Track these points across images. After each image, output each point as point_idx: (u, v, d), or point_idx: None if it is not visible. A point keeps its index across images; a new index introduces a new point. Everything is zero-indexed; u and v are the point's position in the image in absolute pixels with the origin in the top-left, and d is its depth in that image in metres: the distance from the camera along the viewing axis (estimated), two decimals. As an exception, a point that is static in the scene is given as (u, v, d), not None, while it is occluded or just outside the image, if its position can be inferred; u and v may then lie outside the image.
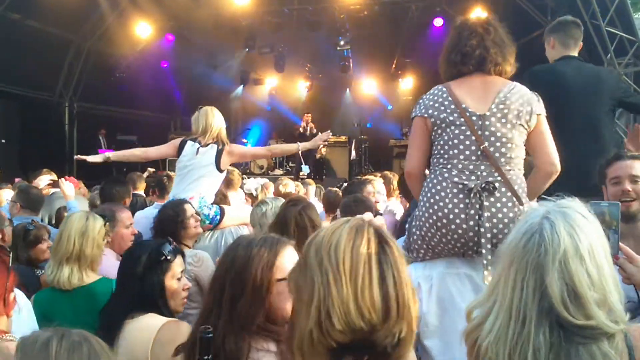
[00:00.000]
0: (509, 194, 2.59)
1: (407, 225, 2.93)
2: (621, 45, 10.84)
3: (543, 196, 3.38)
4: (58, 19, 12.51)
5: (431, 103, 2.74)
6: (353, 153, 15.87)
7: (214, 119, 4.59)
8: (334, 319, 1.23)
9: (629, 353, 1.40)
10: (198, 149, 4.52)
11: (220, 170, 4.53)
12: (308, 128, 14.97)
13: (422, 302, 2.63)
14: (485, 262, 2.50)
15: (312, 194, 7.28)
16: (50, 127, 14.45)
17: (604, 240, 1.45)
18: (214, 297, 1.82)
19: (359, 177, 7.71)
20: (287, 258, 1.83)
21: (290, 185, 6.37)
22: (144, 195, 6.46)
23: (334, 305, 1.24)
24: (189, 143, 4.61)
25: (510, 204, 2.57)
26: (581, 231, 1.41)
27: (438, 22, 13.44)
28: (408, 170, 2.91)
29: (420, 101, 2.82)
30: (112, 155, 5.03)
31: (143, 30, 13.96)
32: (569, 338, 1.34)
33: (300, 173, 13.59)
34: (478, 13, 12.49)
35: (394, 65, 16.71)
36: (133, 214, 5.02)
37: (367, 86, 17.71)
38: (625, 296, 2.15)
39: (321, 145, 15.49)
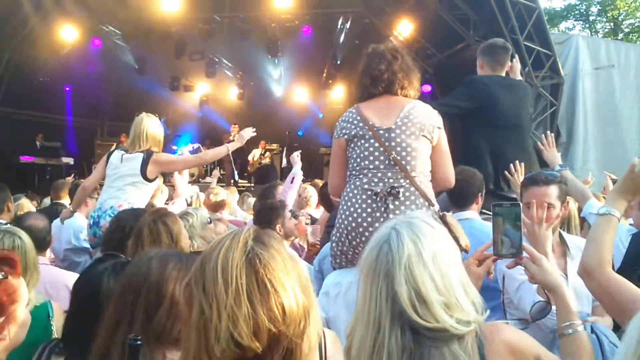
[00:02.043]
0: (412, 197, 2.80)
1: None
2: (538, 59, 11.58)
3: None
4: (-23, 22, 12.01)
5: (344, 124, 3.00)
6: (284, 161, 16.05)
7: (147, 127, 4.47)
8: (214, 346, 1.24)
9: (479, 350, 1.48)
10: (122, 156, 4.46)
11: (148, 179, 4.42)
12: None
13: (328, 307, 2.84)
14: None
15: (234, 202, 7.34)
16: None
17: (450, 247, 1.54)
18: (125, 306, 1.74)
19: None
20: None
21: (221, 194, 6.35)
22: (66, 204, 6.23)
23: (211, 330, 1.24)
24: (115, 153, 4.58)
25: (413, 207, 2.77)
26: (425, 239, 1.49)
27: (366, 33, 13.89)
28: (330, 192, 3.26)
29: (337, 125, 3.05)
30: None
31: (68, 33, 13.53)
32: (419, 340, 1.41)
33: (232, 181, 13.68)
34: (404, 25, 13.05)
35: (324, 74, 17.02)
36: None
37: (298, 95, 17.90)
38: (532, 296, 2.35)
39: (261, 152, 15.69)
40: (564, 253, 2.86)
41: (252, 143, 16.05)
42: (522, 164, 3.78)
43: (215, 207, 6.08)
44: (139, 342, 1.55)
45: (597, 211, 2.16)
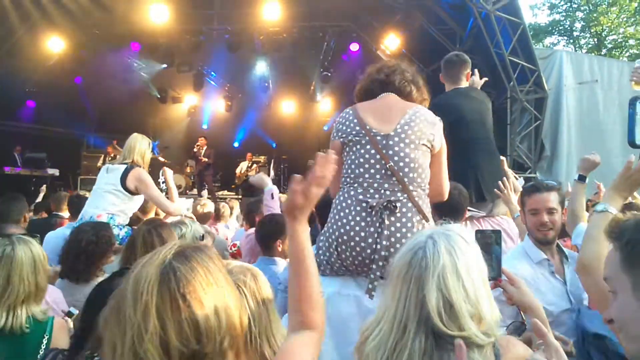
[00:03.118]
0: (409, 214, 2.62)
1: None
2: (523, 74, 11.74)
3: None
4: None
5: (340, 125, 2.85)
6: (272, 173, 16.08)
7: (136, 143, 4.74)
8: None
9: (496, 359, 1.54)
10: (108, 169, 4.65)
11: (128, 190, 4.51)
12: (202, 151, 15.00)
13: None
14: (372, 276, 2.54)
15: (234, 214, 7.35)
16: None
17: (481, 263, 1.59)
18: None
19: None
20: None
21: (208, 206, 6.35)
22: (64, 216, 6.26)
23: (117, 349, 1.21)
24: (105, 166, 4.80)
25: (409, 224, 2.60)
26: (460, 251, 1.55)
27: (354, 47, 14.03)
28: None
29: (334, 125, 2.93)
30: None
31: (55, 44, 13.52)
32: (442, 345, 1.45)
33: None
34: (391, 39, 13.18)
35: (312, 87, 17.11)
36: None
37: (286, 107, 17.99)
38: (510, 316, 2.45)
39: (248, 165, 15.69)
40: (561, 260, 3.04)
41: (239, 156, 16.09)
42: (510, 179, 3.86)
43: (203, 218, 6.06)
44: (96, 358, 1.54)
45: (595, 208, 2.27)
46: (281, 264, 3.75)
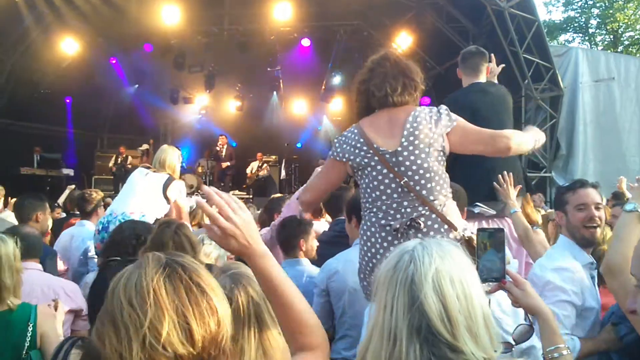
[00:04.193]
0: (436, 225, 2.55)
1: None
2: (537, 72, 11.58)
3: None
4: (-21, 34, 12.09)
5: (347, 147, 2.74)
6: (283, 173, 16.05)
7: (168, 157, 4.92)
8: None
9: None
10: (147, 173, 4.80)
11: (166, 198, 4.68)
12: (224, 149, 15.11)
13: None
14: None
15: None
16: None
17: (476, 278, 1.42)
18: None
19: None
20: None
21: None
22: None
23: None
24: (139, 169, 4.96)
25: (438, 236, 2.50)
26: (453, 260, 1.39)
27: (365, 46, 13.96)
28: (304, 205, 2.95)
29: (337, 143, 2.81)
30: None
31: (69, 46, 13.61)
32: (440, 356, 1.29)
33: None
34: (403, 38, 13.09)
35: (323, 87, 17.07)
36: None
37: (297, 107, 17.96)
38: (516, 319, 2.35)
39: (259, 165, 15.77)
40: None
41: (250, 155, 16.10)
42: (510, 174, 3.75)
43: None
44: None
45: (624, 208, 2.20)
46: (306, 264, 3.74)
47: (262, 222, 5.30)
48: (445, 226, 2.56)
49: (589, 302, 2.68)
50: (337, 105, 17.45)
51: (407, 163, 2.59)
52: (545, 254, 3.05)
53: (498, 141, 2.69)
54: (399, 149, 2.60)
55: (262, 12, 13.16)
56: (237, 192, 15.85)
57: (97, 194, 5.54)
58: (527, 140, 2.82)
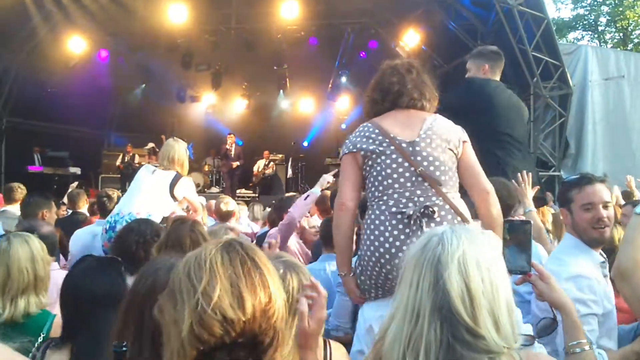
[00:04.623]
0: (449, 216, 2.52)
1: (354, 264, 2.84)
2: (546, 70, 11.48)
3: None
4: (-14, 33, 12.13)
5: (359, 139, 2.72)
6: (290, 171, 16.04)
7: (176, 154, 4.78)
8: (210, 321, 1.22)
9: None
10: (154, 171, 4.74)
11: (173, 196, 4.63)
12: (232, 148, 15.05)
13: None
14: None
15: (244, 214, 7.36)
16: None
17: (503, 266, 1.43)
18: (134, 325, 1.68)
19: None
20: None
21: (231, 204, 6.38)
22: (86, 213, 6.35)
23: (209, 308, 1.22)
24: (145, 166, 4.90)
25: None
26: (482, 246, 1.40)
27: (372, 44, 13.90)
28: (341, 201, 2.74)
29: (348, 140, 2.80)
30: None
31: (76, 45, 13.64)
32: (458, 337, 1.31)
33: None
34: (411, 36, 13.02)
35: (330, 85, 17.03)
36: (71, 231, 5.03)
37: (304, 105, 17.94)
38: (542, 311, 2.30)
39: (265, 163, 15.79)
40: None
41: (257, 154, 16.10)
42: (529, 173, 3.74)
43: (226, 216, 6.09)
44: (124, 349, 1.52)
45: (634, 210, 2.13)
46: None
47: (272, 222, 5.31)
48: (458, 218, 2.54)
49: (606, 307, 2.52)
50: (344, 103, 17.42)
51: (424, 154, 2.59)
52: (552, 257, 2.85)
53: (485, 181, 2.70)
54: (417, 139, 2.62)
55: (269, 11, 13.13)
56: (243, 190, 15.87)
57: (118, 193, 5.58)
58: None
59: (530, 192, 3.68)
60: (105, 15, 12.96)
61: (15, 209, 5.69)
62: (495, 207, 2.64)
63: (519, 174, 3.72)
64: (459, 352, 1.30)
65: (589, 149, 12.35)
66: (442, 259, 1.35)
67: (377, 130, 2.68)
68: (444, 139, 2.64)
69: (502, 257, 1.46)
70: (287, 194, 6.57)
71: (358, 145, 2.70)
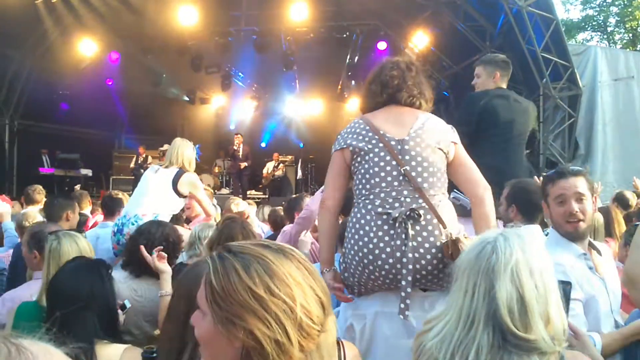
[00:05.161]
0: (435, 220, 2.47)
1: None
2: (556, 71, 11.44)
3: None
4: (-1, 35, 12.25)
5: (349, 135, 2.69)
6: (299, 173, 16.08)
7: (183, 152, 4.78)
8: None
9: None
10: (158, 170, 4.74)
11: (178, 192, 4.61)
12: (240, 149, 15.11)
13: (356, 342, 2.49)
14: (403, 293, 2.37)
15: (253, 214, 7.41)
16: (-10, 144, 14.01)
17: (552, 270, 1.51)
18: (177, 328, 1.76)
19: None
20: None
21: (242, 205, 6.41)
22: (88, 215, 6.40)
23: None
24: (151, 167, 4.92)
25: (437, 232, 2.45)
26: (534, 252, 1.49)
27: (382, 45, 13.91)
28: (323, 200, 2.75)
29: (339, 136, 2.76)
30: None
31: (87, 47, 13.76)
32: (506, 343, 1.41)
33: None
34: (420, 37, 13.04)
35: (339, 87, 17.05)
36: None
37: (313, 106, 17.96)
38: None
39: (275, 165, 15.80)
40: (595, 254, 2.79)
41: (266, 155, 16.14)
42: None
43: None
44: (154, 355, 1.56)
45: None
46: None
47: (273, 222, 5.37)
48: (440, 225, 2.48)
49: (588, 292, 2.48)
50: (354, 105, 17.44)
51: (413, 153, 2.54)
52: None
53: (477, 180, 2.65)
54: (407, 137, 2.57)
55: (278, 13, 13.17)
56: (253, 192, 15.93)
57: (123, 195, 5.62)
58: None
59: None
60: (116, 17, 13.04)
61: (34, 209, 5.75)
62: (487, 207, 2.60)
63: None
64: (510, 354, 1.41)
65: (598, 149, 12.29)
66: (496, 269, 1.45)
67: (367, 127, 2.64)
68: (434, 139, 2.59)
69: (551, 261, 1.55)
70: (297, 195, 6.60)
71: (348, 142, 2.66)
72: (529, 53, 11.17)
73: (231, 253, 1.22)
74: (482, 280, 1.46)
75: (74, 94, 14.95)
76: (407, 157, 2.53)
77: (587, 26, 31.11)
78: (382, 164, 2.55)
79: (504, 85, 4.45)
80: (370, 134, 2.61)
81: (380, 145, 2.57)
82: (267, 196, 15.12)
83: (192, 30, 13.47)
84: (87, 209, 6.52)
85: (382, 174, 2.54)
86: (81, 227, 5.48)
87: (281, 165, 16.03)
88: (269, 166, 16.07)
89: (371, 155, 2.58)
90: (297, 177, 16.14)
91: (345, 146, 2.66)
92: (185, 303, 1.77)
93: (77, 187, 8.59)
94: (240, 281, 1.16)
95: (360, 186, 2.61)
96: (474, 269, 1.49)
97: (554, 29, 11.07)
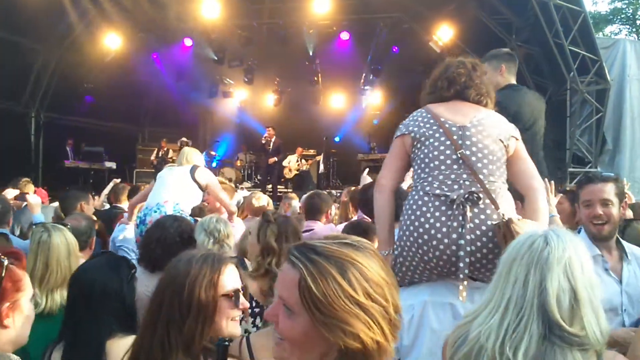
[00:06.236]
0: (492, 205, 2.50)
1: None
2: (583, 64, 11.21)
3: None
4: (26, 29, 12.41)
5: (411, 122, 2.77)
6: (322, 167, 16.04)
7: (191, 156, 5.11)
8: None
9: None
10: (172, 168, 5.04)
11: (196, 182, 4.80)
12: (271, 142, 15.05)
13: (402, 334, 2.45)
14: (461, 276, 2.39)
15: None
16: (16, 137, 14.20)
17: (594, 273, 1.56)
18: (152, 316, 1.77)
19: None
20: (229, 275, 1.83)
21: (263, 199, 6.39)
22: (124, 208, 6.38)
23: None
24: (166, 167, 5.23)
25: (495, 216, 2.47)
26: (581, 250, 1.55)
27: (405, 39, 13.78)
28: (378, 180, 2.84)
29: (401, 124, 2.84)
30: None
31: (112, 41, 13.89)
32: (549, 337, 1.46)
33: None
34: (444, 30, 12.88)
35: (362, 80, 16.95)
36: (110, 227, 5.14)
37: (335, 100, 17.90)
38: None
39: (298, 159, 15.77)
40: (621, 257, 2.88)
41: (288, 149, 16.12)
42: (552, 182, 3.69)
43: (258, 212, 6.11)
44: (227, 343, 1.57)
45: None
46: None
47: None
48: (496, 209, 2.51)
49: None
50: (376, 98, 17.33)
51: (474, 139, 2.60)
52: None
53: (531, 177, 2.70)
54: (468, 124, 2.64)
55: (301, 6, 13.15)
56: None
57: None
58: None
59: (553, 199, 3.63)
60: (140, 11, 13.16)
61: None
62: (540, 204, 2.63)
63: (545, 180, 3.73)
64: (553, 345, 1.44)
65: (627, 144, 12.03)
66: (549, 262, 1.49)
67: (429, 115, 2.73)
68: (496, 131, 2.66)
69: (592, 266, 1.58)
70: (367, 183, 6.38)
71: (410, 128, 2.75)
72: (555, 46, 10.95)
73: (321, 256, 1.21)
74: (533, 272, 1.49)
75: (99, 87, 15.09)
76: (467, 143, 2.60)
77: (615, 19, 30.43)
78: (442, 147, 2.62)
79: (514, 80, 4.37)
80: (431, 121, 2.70)
81: (441, 130, 2.65)
82: (290, 190, 15.10)
83: (215, 24, 13.52)
84: (124, 203, 6.45)
85: (442, 157, 2.60)
86: (114, 220, 5.53)
87: (305, 160, 16.00)
88: (291, 160, 16.03)
89: (431, 140, 2.65)
90: (320, 172, 16.08)
91: (406, 132, 2.75)
92: (176, 306, 1.74)
93: (117, 180, 8.50)
94: (341, 289, 1.18)
95: (419, 171, 2.68)
96: (525, 260, 1.52)
97: (581, 21, 10.85)
